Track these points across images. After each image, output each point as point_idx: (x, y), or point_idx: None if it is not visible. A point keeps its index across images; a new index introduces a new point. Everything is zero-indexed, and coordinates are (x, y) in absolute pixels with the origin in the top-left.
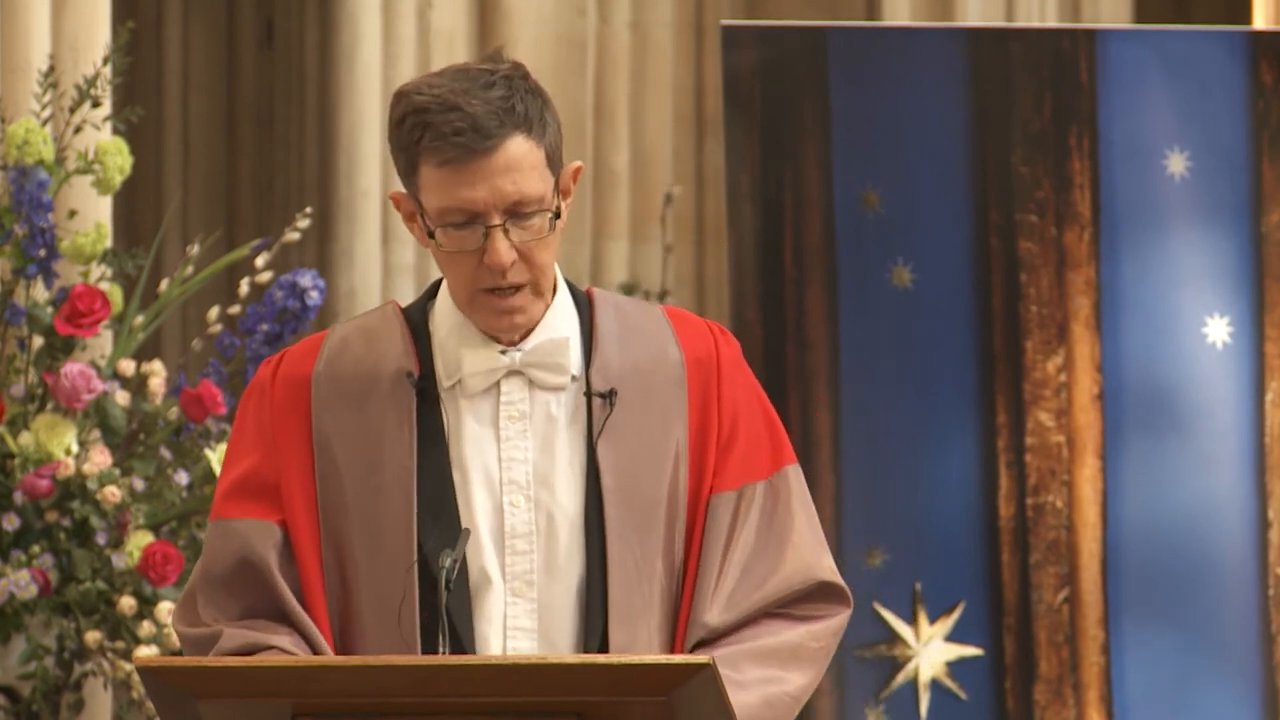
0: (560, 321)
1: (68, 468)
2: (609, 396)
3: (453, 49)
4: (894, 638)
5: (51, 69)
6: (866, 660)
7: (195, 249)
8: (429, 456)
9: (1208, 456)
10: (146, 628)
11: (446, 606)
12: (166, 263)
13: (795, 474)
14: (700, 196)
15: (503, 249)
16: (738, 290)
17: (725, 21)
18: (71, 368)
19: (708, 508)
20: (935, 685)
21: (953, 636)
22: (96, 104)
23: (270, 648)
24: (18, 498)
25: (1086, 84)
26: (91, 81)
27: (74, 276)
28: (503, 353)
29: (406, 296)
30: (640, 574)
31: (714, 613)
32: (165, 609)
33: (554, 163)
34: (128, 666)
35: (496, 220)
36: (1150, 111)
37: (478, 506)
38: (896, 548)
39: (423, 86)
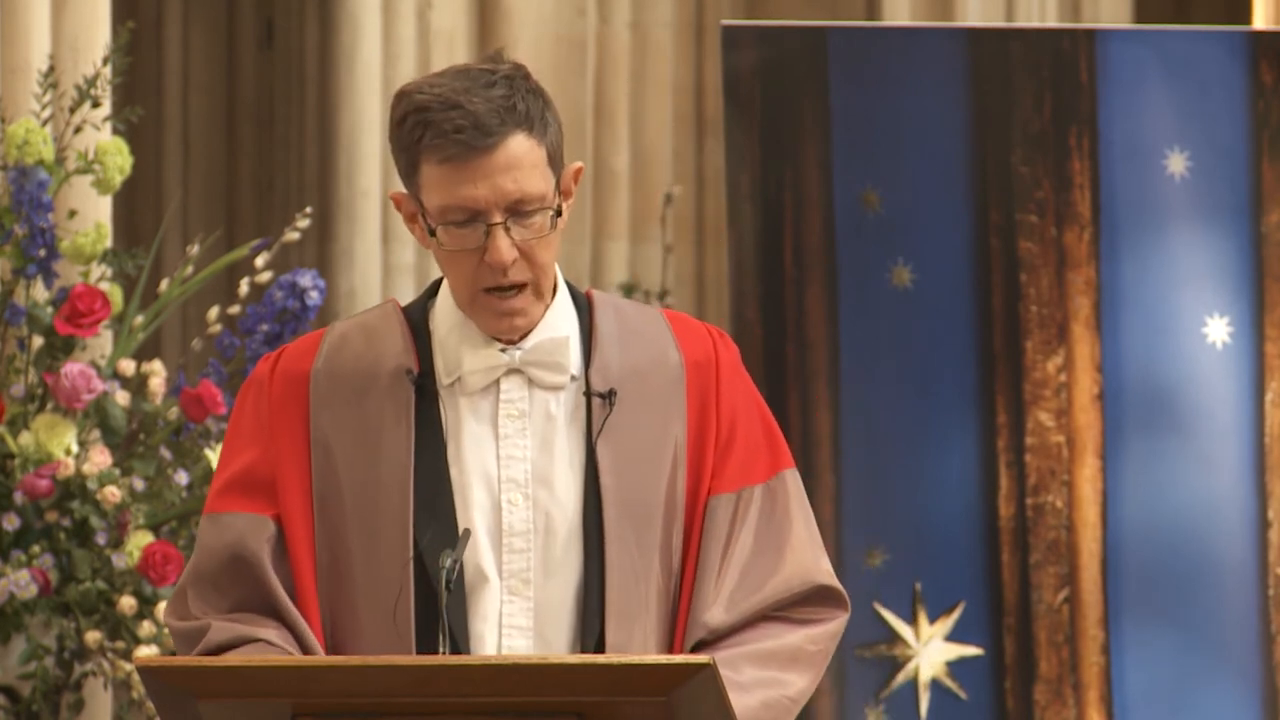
0: (560, 321)
1: (68, 468)
2: (609, 397)
3: (453, 49)
4: (894, 638)
5: (51, 69)
6: (866, 660)
7: (195, 249)
8: (427, 454)
9: (1208, 456)
10: (146, 628)
11: (445, 608)
12: (166, 263)
13: (793, 478)
14: (700, 196)
15: (504, 247)
16: (738, 290)
17: (725, 21)
18: (71, 368)
19: (706, 509)
20: (935, 685)
21: (953, 636)
22: (96, 104)
23: (257, 640)
24: (18, 498)
25: (1086, 84)
26: (91, 81)
27: (74, 276)
28: (502, 351)
29: (406, 296)
30: (637, 574)
31: (714, 613)
32: (165, 609)
33: (555, 162)
34: (128, 666)
35: (498, 218)
36: (1150, 111)
37: (475, 504)
38: (896, 548)
39: (424, 86)
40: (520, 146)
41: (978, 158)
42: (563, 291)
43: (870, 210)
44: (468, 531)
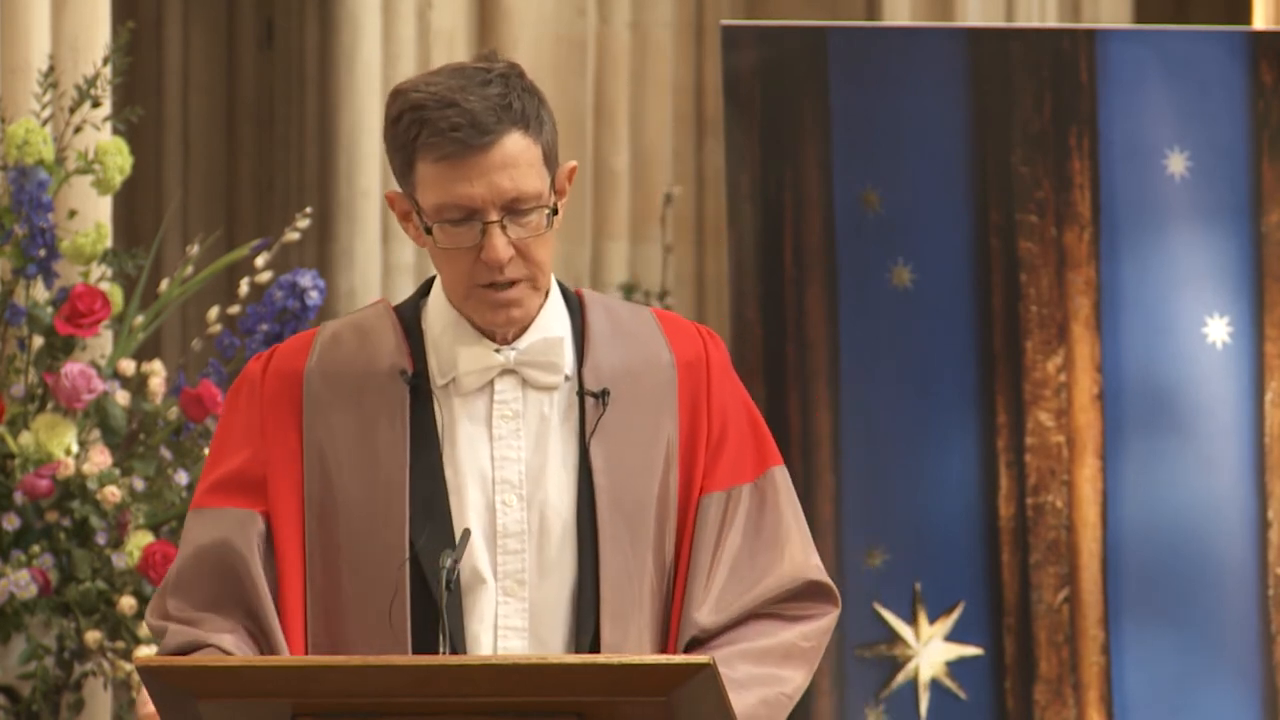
0: (553, 321)
1: (68, 468)
2: (602, 396)
3: (453, 49)
4: (894, 638)
5: (51, 69)
6: (866, 660)
7: (195, 249)
8: (422, 455)
9: (1208, 456)
10: (146, 628)
11: (436, 604)
12: (166, 263)
13: (781, 474)
14: (700, 196)
15: (500, 245)
16: (738, 290)
17: (725, 21)
18: (71, 368)
19: (698, 508)
20: (935, 685)
21: (953, 636)
22: (96, 104)
23: (208, 646)
24: (18, 498)
25: (1086, 84)
26: (91, 81)
27: (74, 276)
28: (496, 351)
29: (406, 296)
30: (631, 573)
31: (704, 612)
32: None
33: (550, 160)
34: (128, 666)
35: (494, 216)
36: (1150, 111)
37: (470, 505)
38: (896, 548)
39: (419, 84)
40: (516, 145)
41: (978, 158)
42: (555, 292)
43: (870, 210)
44: (467, 531)
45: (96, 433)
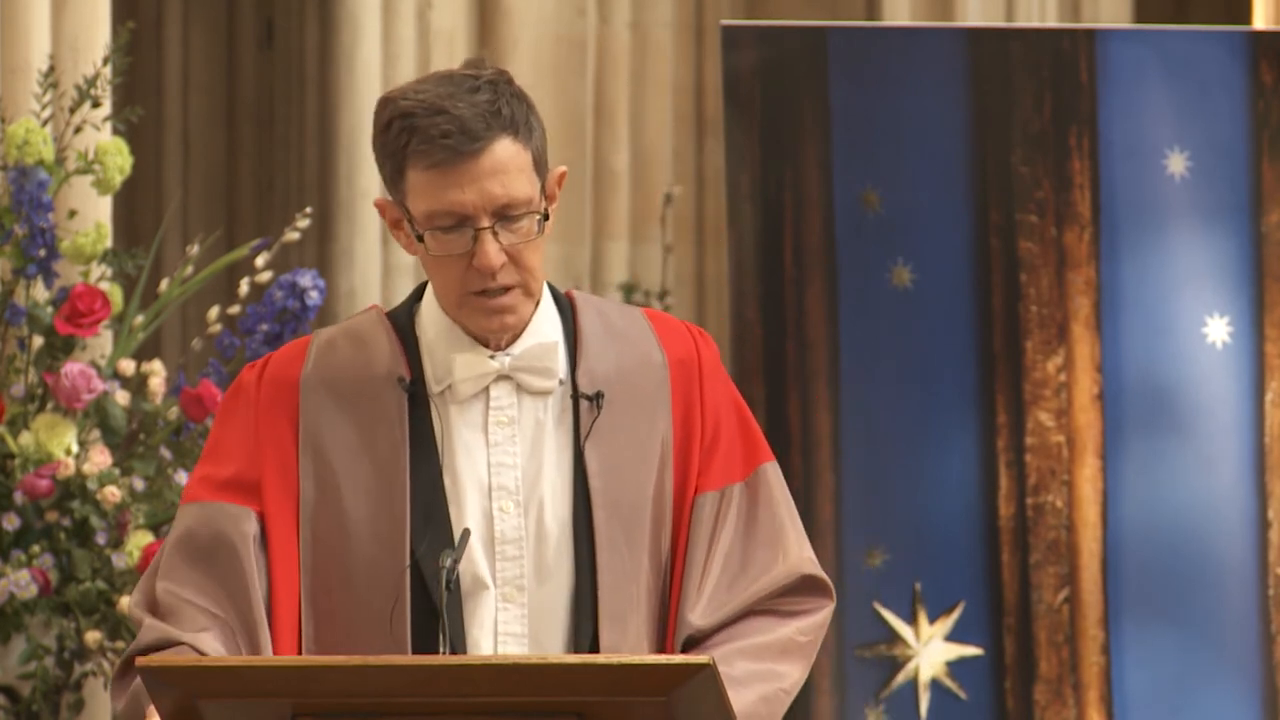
0: (546, 326)
1: (68, 468)
2: (596, 399)
3: (453, 49)
4: (894, 638)
5: (51, 69)
6: (866, 660)
7: (195, 249)
8: (421, 461)
9: (1208, 456)
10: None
11: (435, 612)
12: (166, 263)
13: (773, 470)
14: (700, 196)
15: (492, 251)
16: (738, 290)
17: (725, 21)
18: (71, 368)
19: (693, 508)
20: (935, 685)
21: (953, 636)
22: (96, 104)
23: (181, 645)
24: (18, 498)
25: (1086, 84)
26: (91, 81)
27: (74, 276)
28: (491, 357)
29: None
30: (628, 575)
31: (698, 612)
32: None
33: (540, 166)
34: None
35: (485, 223)
36: (1150, 111)
37: (468, 512)
38: (896, 548)
39: (408, 92)
40: (506, 151)
41: (978, 158)
42: (547, 296)
43: (870, 210)
44: (467, 531)
45: (96, 433)
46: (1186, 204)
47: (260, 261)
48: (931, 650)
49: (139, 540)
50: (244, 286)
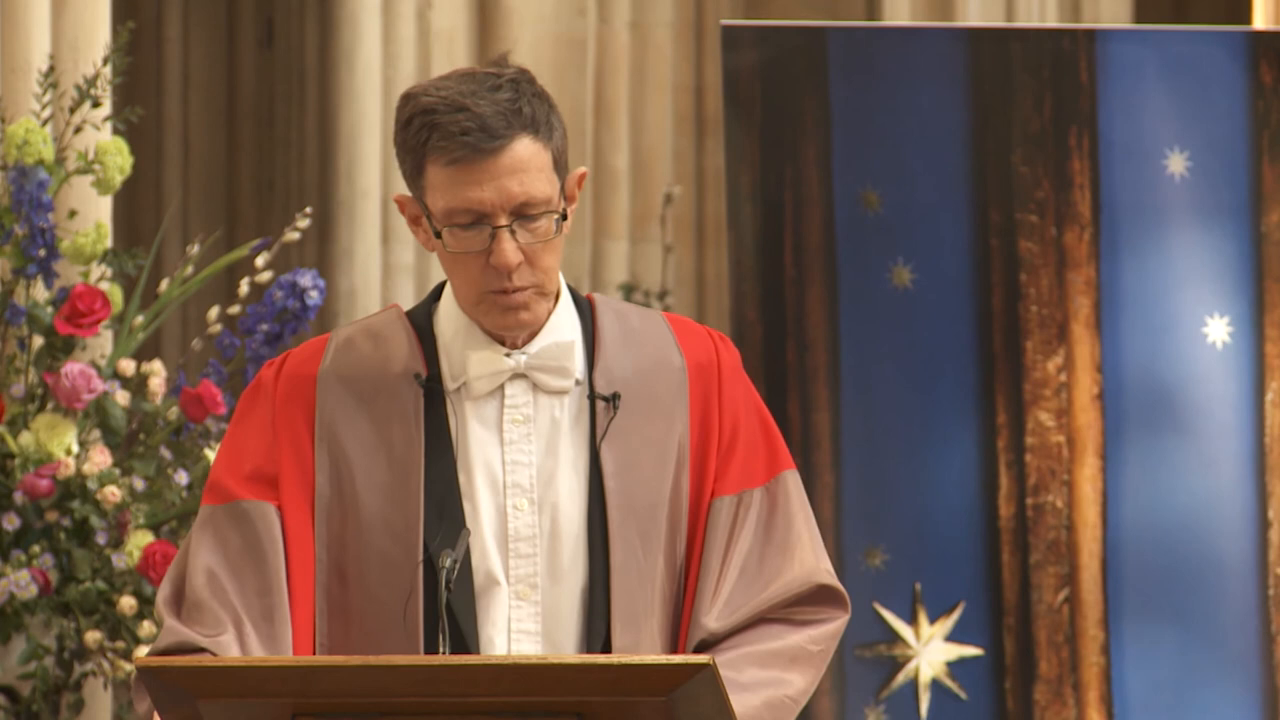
0: (564, 325)
1: (68, 468)
2: (612, 400)
3: (453, 49)
4: (894, 638)
5: (51, 69)
6: (866, 660)
7: (195, 249)
8: (436, 457)
9: (1208, 456)
10: (146, 628)
11: (449, 607)
12: (166, 263)
13: (793, 479)
14: (700, 196)
15: (509, 250)
16: (738, 290)
17: (725, 21)
18: (71, 368)
19: (709, 511)
20: (935, 685)
21: (953, 636)
22: (96, 104)
23: (199, 650)
24: (18, 498)
25: (1086, 84)
26: (91, 81)
27: (74, 276)
28: (507, 355)
29: (406, 296)
30: (642, 577)
31: (712, 617)
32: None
33: (560, 166)
34: (128, 666)
35: (503, 221)
36: (1150, 111)
37: (482, 509)
38: (896, 548)
39: (430, 89)
40: (526, 150)
41: (978, 158)
42: (565, 296)
43: (870, 210)
44: (468, 530)
45: (96, 433)
46: (1186, 204)
47: (260, 261)
48: (931, 650)
49: (139, 540)
50: (244, 286)
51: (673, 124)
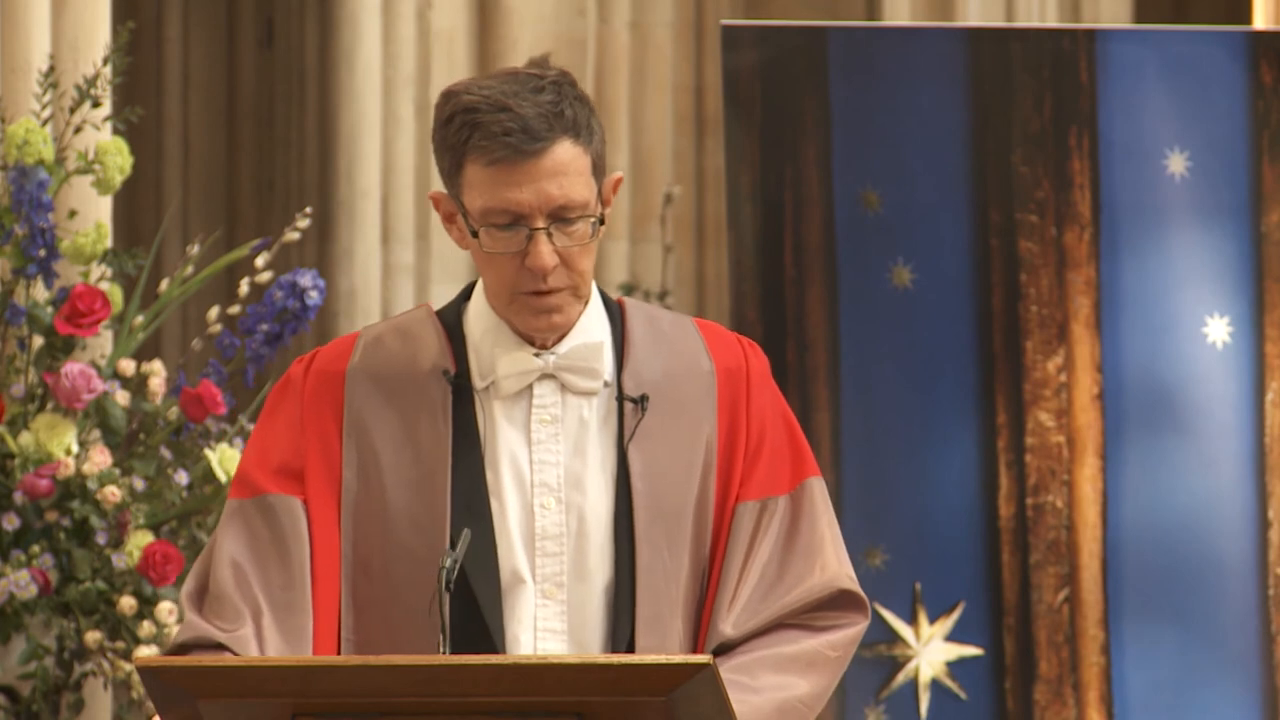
0: (594, 327)
1: (68, 468)
2: (640, 402)
3: (453, 49)
4: (894, 638)
5: (51, 69)
6: (866, 660)
7: (195, 249)
8: (463, 454)
9: (1208, 456)
10: (146, 628)
11: (478, 603)
12: (166, 263)
13: (818, 485)
14: (700, 196)
15: (545, 252)
16: (738, 290)
17: (725, 21)
18: (71, 368)
19: (733, 516)
20: (935, 685)
21: (953, 636)
22: (96, 104)
23: (217, 646)
24: (18, 498)
25: (1086, 84)
26: (91, 81)
27: (74, 276)
28: (536, 355)
29: (406, 296)
30: (668, 578)
31: (729, 623)
32: (165, 609)
33: (599, 170)
34: (128, 666)
35: (540, 223)
36: (1150, 111)
37: (509, 507)
38: (896, 548)
39: (472, 87)
40: (567, 153)
41: (978, 158)
42: (596, 298)
43: (870, 210)
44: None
45: (96, 433)
46: (1186, 204)
47: (260, 261)
48: (931, 650)
49: (139, 540)
50: (244, 286)
51: (673, 124)
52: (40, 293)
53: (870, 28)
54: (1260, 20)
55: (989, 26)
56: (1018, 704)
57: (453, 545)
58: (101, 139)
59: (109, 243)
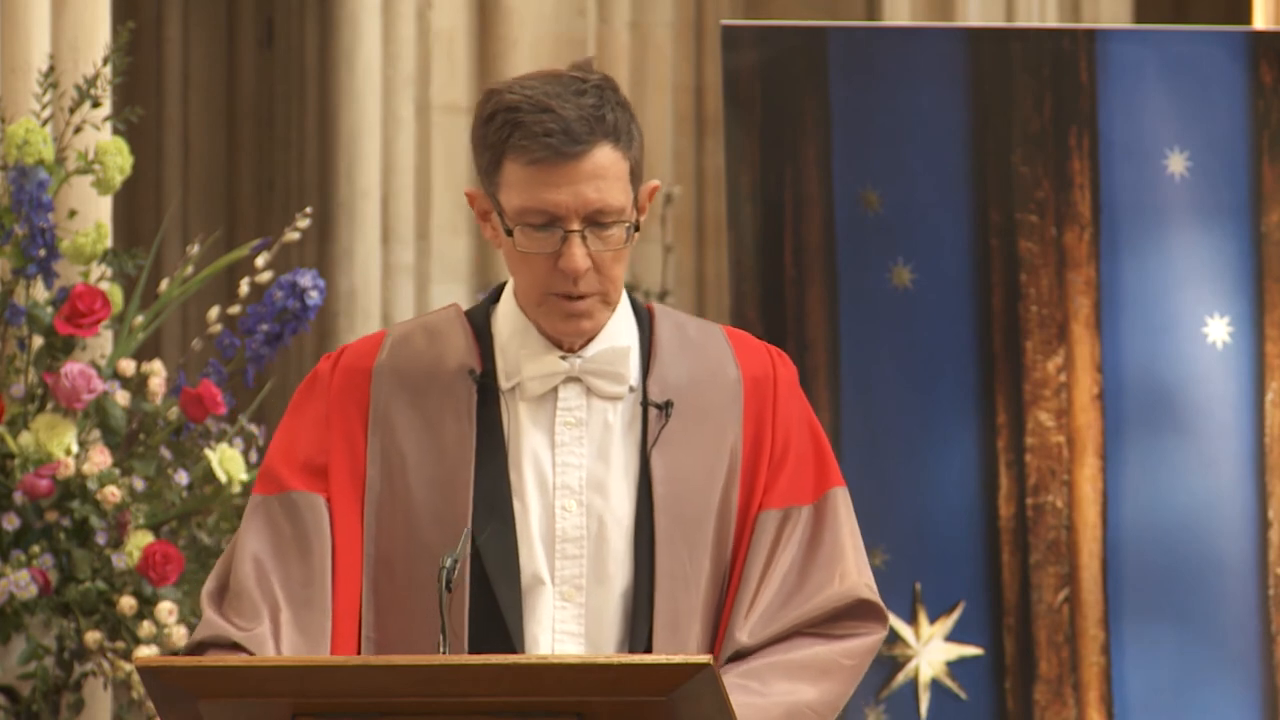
0: (622, 332)
1: (68, 468)
2: (665, 407)
3: (453, 49)
4: (894, 638)
5: (51, 69)
6: None
7: (195, 249)
8: (487, 454)
9: (1208, 456)
10: (146, 628)
11: (499, 605)
12: (166, 263)
13: (842, 496)
14: (700, 196)
15: (579, 255)
16: (738, 290)
17: (725, 21)
18: (71, 368)
19: (755, 524)
20: (935, 685)
21: (953, 636)
22: (96, 104)
23: (231, 645)
24: (18, 498)
25: (1086, 84)
26: (91, 81)
27: (74, 276)
28: (562, 359)
29: (406, 297)
30: (688, 583)
31: (745, 631)
32: (165, 609)
33: (636, 176)
34: (128, 666)
35: (576, 226)
36: (1150, 111)
37: (531, 508)
38: (896, 548)
39: (514, 86)
40: (606, 157)
41: (978, 158)
42: (624, 303)
43: (870, 210)
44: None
45: (96, 433)
46: (1186, 204)
47: (260, 261)
48: (931, 650)
49: (139, 540)
50: (244, 286)
51: (673, 124)
52: (40, 293)
53: (870, 28)
54: (1260, 20)
55: (989, 26)
56: (1018, 704)
57: (490, 541)
58: (101, 139)
59: (109, 243)
